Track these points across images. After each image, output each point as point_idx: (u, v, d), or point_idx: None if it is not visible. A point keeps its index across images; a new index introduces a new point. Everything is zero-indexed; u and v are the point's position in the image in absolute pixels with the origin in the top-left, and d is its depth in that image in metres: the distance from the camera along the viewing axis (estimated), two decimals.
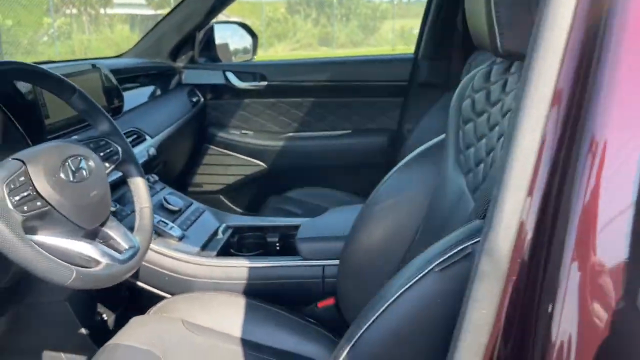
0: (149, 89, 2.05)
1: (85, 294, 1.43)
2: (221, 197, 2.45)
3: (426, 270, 0.64)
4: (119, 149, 1.13)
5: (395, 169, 1.17)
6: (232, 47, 2.49)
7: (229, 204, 2.45)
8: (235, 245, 1.57)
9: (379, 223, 1.15)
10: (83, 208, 0.95)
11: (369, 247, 1.16)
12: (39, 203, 0.88)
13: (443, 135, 1.14)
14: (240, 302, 1.31)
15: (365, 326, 0.67)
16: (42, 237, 0.91)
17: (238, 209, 2.45)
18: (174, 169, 2.21)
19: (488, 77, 0.96)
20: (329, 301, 1.33)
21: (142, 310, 1.59)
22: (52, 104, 1.31)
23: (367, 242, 1.17)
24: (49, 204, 0.89)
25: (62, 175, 0.93)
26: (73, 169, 0.95)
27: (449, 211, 0.93)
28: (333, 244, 1.36)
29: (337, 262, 1.34)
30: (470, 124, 0.99)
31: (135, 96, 1.89)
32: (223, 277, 1.38)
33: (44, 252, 0.83)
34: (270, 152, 2.34)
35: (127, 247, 1.03)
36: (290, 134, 2.37)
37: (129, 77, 1.86)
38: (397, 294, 0.65)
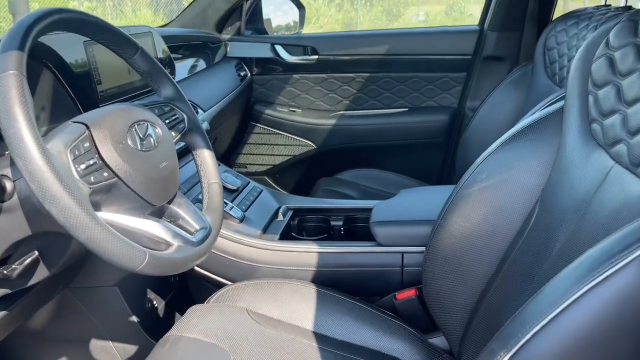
0: (193, 60, 1.91)
1: (135, 279, 1.31)
2: (267, 178, 2.32)
3: (625, 262, 0.49)
4: (185, 116, 1.00)
5: (495, 146, 1.02)
6: (279, 19, 2.34)
7: (274, 186, 2.32)
8: (296, 228, 1.44)
9: (478, 206, 1.00)
10: (152, 181, 0.82)
11: (465, 233, 1.01)
12: (105, 174, 0.75)
13: (553, 106, 0.98)
14: (309, 291, 1.18)
15: (530, 334, 0.52)
16: (108, 214, 0.78)
17: (284, 192, 2.32)
18: (221, 148, 2.09)
19: (635, 30, 0.80)
20: (410, 292, 1.19)
21: (192, 297, 1.48)
22: (105, 69, 1.18)
23: (462, 226, 1.02)
24: (117, 175, 0.76)
25: (129, 142, 0.79)
26: (141, 135, 0.82)
27: (593, 192, 0.77)
28: (413, 228, 1.22)
29: (418, 248, 1.20)
30: (607, 87, 0.83)
31: (180, 67, 1.75)
32: (289, 263, 1.24)
33: (111, 229, 0.70)
34: (320, 131, 2.20)
35: (198, 227, 0.90)
36: (342, 112, 2.22)
37: (174, 46, 1.72)
38: (579, 293, 0.51)
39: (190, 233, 0.89)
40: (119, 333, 1.34)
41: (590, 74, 0.88)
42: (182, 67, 1.84)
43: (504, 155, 1.00)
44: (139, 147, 0.81)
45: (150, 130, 0.84)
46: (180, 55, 1.85)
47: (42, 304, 1.17)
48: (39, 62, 1.03)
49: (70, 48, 1.09)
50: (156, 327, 1.36)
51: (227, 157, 2.23)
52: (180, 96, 1.01)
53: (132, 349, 1.36)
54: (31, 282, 0.87)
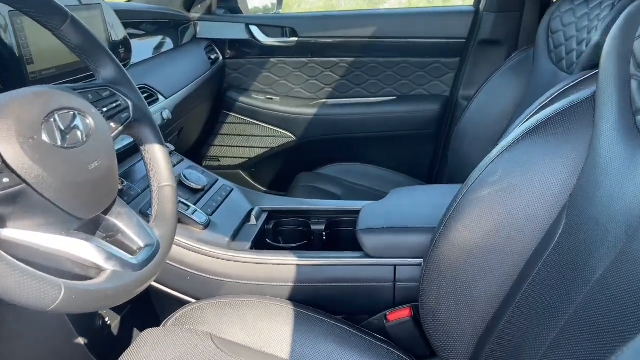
0: (159, 39, 1.70)
1: None
2: (241, 173, 2.12)
3: None
4: (129, 104, 0.80)
5: (509, 141, 0.84)
6: (256, 1, 2.13)
7: (250, 181, 2.12)
8: (271, 233, 1.25)
9: (488, 214, 0.83)
10: (78, 187, 0.63)
11: (471, 245, 0.84)
12: (6, 180, 0.56)
13: (580, 94, 0.81)
14: (284, 311, 1.00)
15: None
16: (15, 232, 0.59)
17: (261, 188, 2.13)
18: (189, 140, 1.88)
19: None
20: (403, 312, 1.01)
21: (154, 311, 1.29)
22: (38, 45, 0.97)
23: (468, 238, 0.84)
24: (24, 180, 0.57)
25: (44, 136, 0.60)
26: (62, 127, 0.63)
27: None
28: (409, 237, 1.04)
29: (413, 261, 1.03)
30: None
31: (141, 48, 1.54)
32: (261, 277, 1.06)
33: (10, 258, 0.51)
34: (300, 122, 2.00)
35: (142, 245, 0.71)
36: (324, 100, 2.03)
37: (134, 22, 1.51)
38: None
39: (131, 252, 0.70)
40: (61, 357, 1.14)
41: (633, 53, 0.71)
42: (146, 46, 1.63)
43: (520, 152, 0.82)
44: (59, 143, 0.61)
45: (77, 121, 0.65)
46: (143, 32, 1.64)
47: None
48: None
49: None
50: (109, 350, 1.17)
51: (196, 150, 2.03)
52: (123, 78, 0.81)
53: None
54: None
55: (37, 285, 0.52)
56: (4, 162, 0.56)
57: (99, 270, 0.63)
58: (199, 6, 1.94)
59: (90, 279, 0.61)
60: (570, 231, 0.73)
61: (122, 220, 0.71)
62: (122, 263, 0.65)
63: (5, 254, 0.51)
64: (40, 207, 0.60)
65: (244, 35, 1.98)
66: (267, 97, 2.04)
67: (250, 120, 2.02)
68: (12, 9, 0.91)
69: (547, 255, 0.75)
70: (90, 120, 0.67)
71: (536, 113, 0.97)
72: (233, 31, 1.97)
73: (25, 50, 0.95)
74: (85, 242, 0.63)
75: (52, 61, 1.01)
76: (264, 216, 1.23)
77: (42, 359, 1.14)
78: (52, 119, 0.62)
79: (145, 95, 1.32)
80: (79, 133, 0.65)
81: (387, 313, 1.03)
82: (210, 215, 1.15)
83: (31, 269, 0.53)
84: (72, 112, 0.65)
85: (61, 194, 0.60)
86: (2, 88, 0.89)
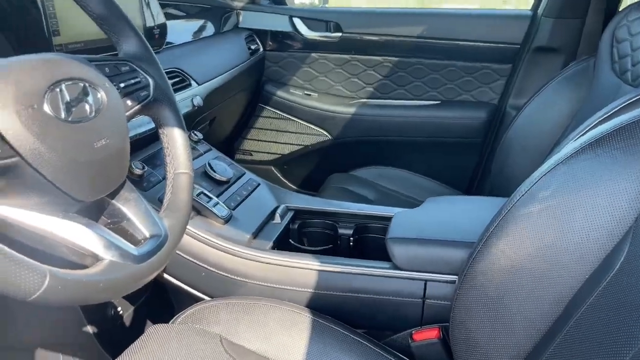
0: (197, 24, 1.65)
1: None
2: (273, 169, 2.06)
3: None
4: (150, 82, 0.74)
5: (565, 154, 0.74)
6: None
7: (281, 178, 2.06)
8: (296, 234, 1.18)
9: (536, 232, 0.73)
10: (81, 166, 0.57)
11: (515, 266, 0.75)
12: None
13: None
14: (303, 319, 0.93)
15: None
16: (4, 209, 0.53)
17: (292, 186, 2.06)
18: (221, 131, 1.83)
19: None
20: (431, 332, 0.92)
21: (170, 304, 1.23)
22: (65, 17, 0.93)
23: (511, 257, 0.75)
24: (17, 152, 0.51)
25: (45, 106, 0.54)
26: (68, 99, 0.57)
27: None
28: (443, 251, 0.95)
29: (447, 277, 0.94)
30: None
31: (179, 31, 1.50)
32: (281, 280, 0.99)
33: None
34: (337, 120, 1.93)
35: (147, 234, 0.65)
36: (364, 100, 1.94)
37: (174, 4, 1.47)
38: None
39: (135, 243, 0.63)
40: (70, 345, 1.10)
41: None
42: (185, 29, 1.58)
43: (579, 166, 0.72)
44: (62, 116, 0.55)
45: (86, 94, 0.59)
46: (184, 14, 1.59)
47: None
48: None
49: None
50: (118, 340, 1.12)
51: (228, 142, 1.98)
52: (146, 53, 0.75)
53: None
54: None
55: (17, 270, 0.46)
56: None
57: (96, 259, 0.57)
58: None
59: (80, 269, 0.54)
60: (634, 259, 0.63)
61: (129, 207, 0.65)
62: (122, 253, 0.59)
63: None
64: (35, 184, 0.54)
65: (287, 28, 1.91)
66: (305, 92, 1.97)
67: (286, 115, 1.96)
68: None
69: (605, 283, 0.65)
70: (102, 95, 0.61)
71: (596, 126, 0.86)
72: (276, 22, 1.91)
73: (52, 21, 0.90)
74: (83, 227, 0.57)
75: (79, 35, 0.97)
76: (289, 215, 1.16)
77: (47, 344, 1.09)
78: (58, 89, 0.56)
79: (177, 79, 1.27)
80: (87, 107, 0.59)
81: (413, 332, 0.94)
82: (233, 209, 1.08)
83: (13, 251, 0.47)
84: (82, 84, 0.59)
85: (60, 172, 0.54)
86: None
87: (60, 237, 0.56)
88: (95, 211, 0.63)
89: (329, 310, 0.96)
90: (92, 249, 0.57)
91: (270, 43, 1.96)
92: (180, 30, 1.53)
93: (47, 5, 0.89)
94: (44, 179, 0.54)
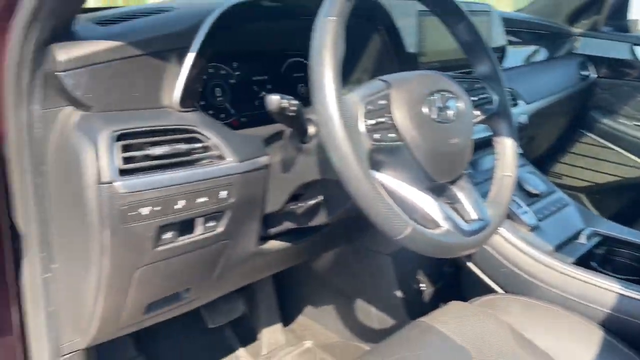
0: (533, 49, 1.76)
1: (410, 255, 1.30)
2: (583, 196, 2.02)
3: None
4: (495, 98, 0.91)
5: None
6: None
7: (591, 207, 2.00)
8: (599, 258, 1.20)
9: None
10: (439, 155, 0.76)
11: None
12: (392, 135, 0.73)
13: None
14: (594, 332, 0.96)
15: None
16: (385, 177, 0.76)
17: (602, 217, 1.98)
18: (537, 149, 1.89)
19: None
20: None
21: (462, 295, 1.39)
22: (431, 42, 1.17)
23: None
24: (403, 139, 0.73)
25: (424, 109, 0.75)
26: (440, 105, 0.77)
27: None
28: None
29: None
30: None
31: (514, 55, 1.63)
32: (577, 293, 1.04)
33: (383, 191, 0.67)
34: None
35: (475, 217, 0.81)
36: None
37: (515, 30, 1.61)
38: None
39: (465, 221, 0.81)
40: (386, 301, 1.35)
41: None
42: (519, 54, 1.72)
43: None
44: (434, 117, 0.76)
45: (451, 103, 0.79)
46: (520, 40, 1.72)
47: (322, 251, 1.26)
48: (372, 24, 1.07)
49: (405, 15, 1.11)
50: (415, 309, 1.34)
51: (541, 162, 2.02)
52: (496, 76, 0.92)
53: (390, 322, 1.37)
54: (311, 223, 0.93)
55: (393, 216, 0.68)
56: (393, 121, 0.73)
57: (436, 225, 0.76)
58: (584, 21, 1.90)
59: (429, 230, 0.74)
60: None
61: (464, 193, 0.83)
62: (455, 225, 0.77)
63: (379, 185, 0.68)
64: (409, 163, 0.75)
65: (627, 55, 1.85)
66: (635, 123, 1.87)
67: (608, 144, 1.90)
68: (421, 8, 1.11)
69: None
70: (461, 104, 0.80)
71: None
72: (616, 50, 1.87)
73: (422, 44, 1.15)
74: (433, 200, 0.77)
75: (438, 55, 1.19)
76: (595, 239, 1.19)
77: (368, 296, 1.37)
78: (433, 97, 0.77)
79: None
80: (450, 112, 0.78)
81: None
82: (540, 220, 1.17)
83: (394, 204, 0.68)
84: (449, 95, 0.79)
85: (426, 157, 0.75)
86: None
87: (416, 204, 0.77)
88: (439, 191, 0.82)
89: (623, 334, 0.98)
90: (436, 217, 0.76)
91: (606, 70, 1.92)
92: (516, 54, 1.66)
93: (421, 32, 1.14)
94: (415, 160, 0.75)
